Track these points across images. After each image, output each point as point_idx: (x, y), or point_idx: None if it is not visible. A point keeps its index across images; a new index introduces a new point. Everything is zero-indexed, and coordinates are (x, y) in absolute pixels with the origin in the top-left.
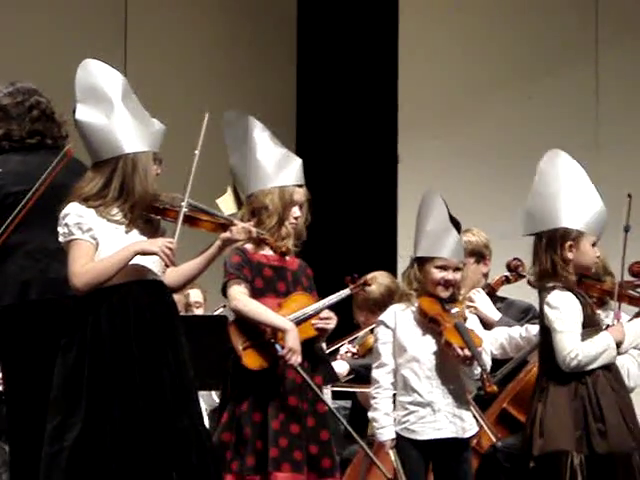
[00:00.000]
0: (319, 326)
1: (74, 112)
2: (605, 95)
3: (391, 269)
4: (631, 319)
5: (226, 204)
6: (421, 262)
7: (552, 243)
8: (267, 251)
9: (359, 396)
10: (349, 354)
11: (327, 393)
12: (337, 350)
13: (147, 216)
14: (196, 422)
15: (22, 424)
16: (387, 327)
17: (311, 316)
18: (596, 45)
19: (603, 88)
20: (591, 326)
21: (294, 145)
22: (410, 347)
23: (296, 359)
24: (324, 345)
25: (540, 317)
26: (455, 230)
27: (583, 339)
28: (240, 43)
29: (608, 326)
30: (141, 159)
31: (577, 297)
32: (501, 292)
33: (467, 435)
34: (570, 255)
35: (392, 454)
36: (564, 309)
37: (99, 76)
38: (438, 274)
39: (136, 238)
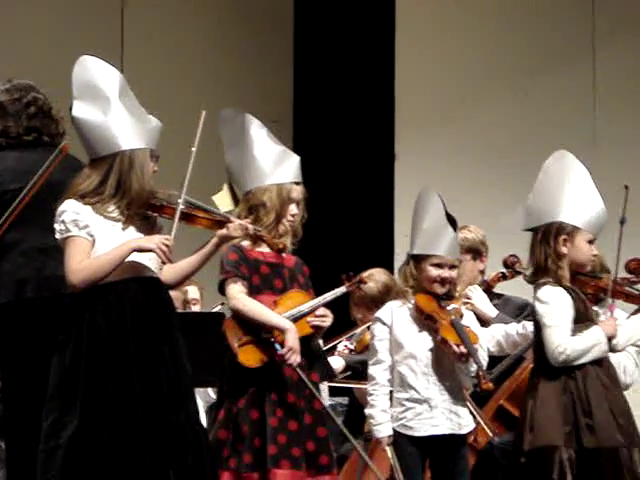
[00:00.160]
0: (315, 324)
1: (71, 109)
2: (602, 91)
3: (388, 266)
4: (629, 317)
5: (222, 201)
6: (417, 259)
7: (547, 236)
8: (264, 248)
9: (356, 393)
10: (346, 351)
11: (324, 390)
12: (335, 347)
13: (144, 213)
14: (193, 419)
15: (19, 422)
16: (384, 324)
17: (307, 314)
18: (593, 41)
19: (600, 84)
20: (584, 322)
21: (291, 142)
22: (407, 344)
23: (295, 359)
24: (321, 342)
25: (533, 313)
26: (451, 227)
27: (574, 334)
28: (237, 41)
29: None
30: (138, 156)
31: (569, 292)
32: (497, 288)
33: (464, 431)
34: (564, 249)
35: (389, 451)
36: (553, 304)
37: (96, 73)
38: (434, 272)
39: (133, 235)
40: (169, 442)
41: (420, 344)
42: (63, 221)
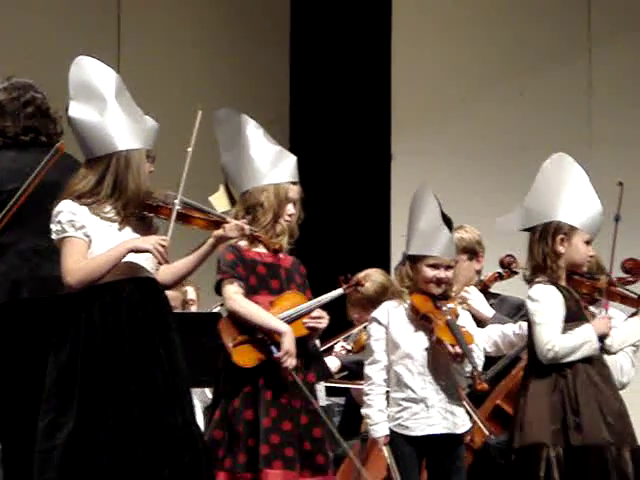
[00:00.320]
0: (310, 325)
1: (67, 109)
2: (598, 91)
3: (384, 266)
4: (626, 319)
5: (219, 202)
6: (413, 260)
7: (544, 235)
8: (261, 248)
9: (353, 393)
10: (344, 351)
11: (321, 390)
12: (332, 348)
13: (140, 214)
14: (189, 420)
15: (15, 422)
16: (380, 324)
17: (303, 315)
18: (589, 41)
19: (596, 84)
20: (576, 320)
21: (288, 143)
22: (403, 344)
23: (291, 362)
24: (318, 342)
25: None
26: (447, 228)
27: (565, 332)
28: (233, 41)
29: None
30: (134, 156)
31: (561, 291)
32: (494, 288)
33: (460, 431)
34: (561, 249)
35: (386, 451)
36: (544, 302)
37: (92, 73)
38: (430, 272)
39: (129, 236)
40: (165, 443)
41: (416, 344)
42: (59, 222)
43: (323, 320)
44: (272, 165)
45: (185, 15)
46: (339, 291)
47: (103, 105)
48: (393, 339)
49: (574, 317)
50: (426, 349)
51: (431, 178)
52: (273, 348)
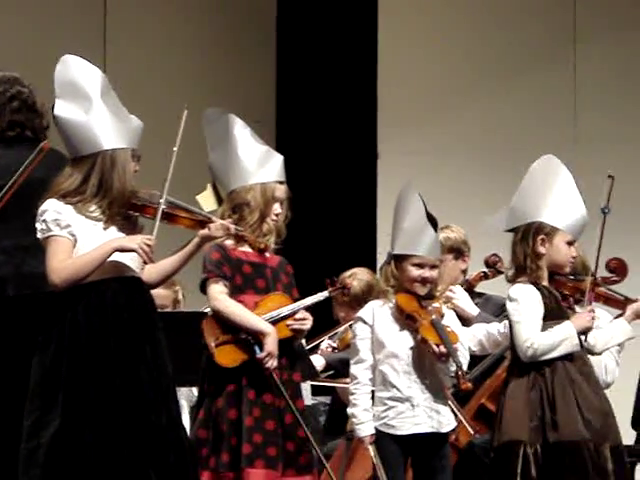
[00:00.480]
0: (294, 327)
1: (53, 107)
2: (583, 91)
3: (370, 265)
4: (612, 321)
5: (206, 201)
6: (398, 259)
7: (526, 236)
8: (247, 248)
9: (339, 392)
10: (329, 349)
11: (306, 389)
12: (317, 346)
13: (125, 213)
14: (174, 419)
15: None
16: (365, 323)
17: (287, 316)
18: (574, 41)
19: (581, 84)
20: (556, 319)
21: (274, 142)
22: (388, 343)
23: (273, 363)
24: (304, 341)
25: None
26: (432, 227)
27: (544, 330)
28: (219, 40)
29: None
30: (119, 155)
31: (539, 290)
32: (479, 288)
33: (445, 430)
34: (542, 249)
35: (371, 450)
36: (522, 300)
37: (78, 72)
38: (415, 272)
39: (114, 235)
40: (150, 442)
41: (401, 343)
42: (45, 220)
43: (307, 322)
44: (259, 164)
45: (171, 15)
46: (324, 294)
47: (89, 104)
48: (378, 338)
49: (554, 316)
50: (411, 348)
51: (417, 177)
52: (256, 348)
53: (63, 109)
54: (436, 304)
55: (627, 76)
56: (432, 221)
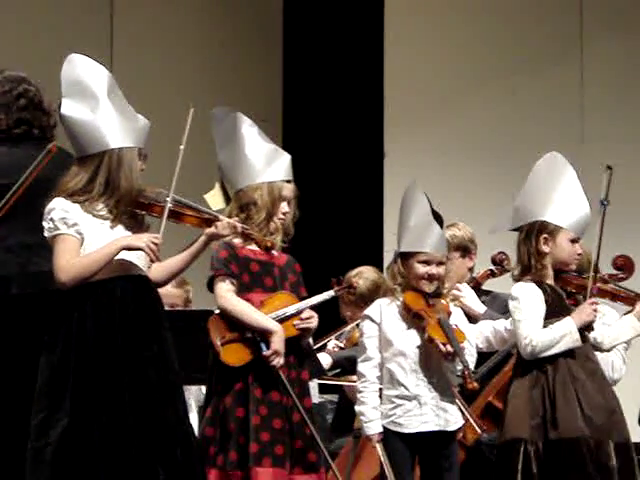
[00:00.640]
0: (301, 327)
1: (59, 107)
2: (589, 90)
3: (377, 264)
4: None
5: (214, 200)
6: (404, 257)
7: (529, 235)
8: (255, 246)
9: (346, 390)
10: (336, 349)
11: (314, 387)
12: (324, 346)
13: (132, 211)
14: (182, 417)
15: (5, 420)
16: (373, 321)
17: (292, 315)
18: (580, 40)
19: (587, 83)
20: (559, 316)
21: (280, 141)
22: (396, 341)
23: (279, 361)
24: (311, 340)
25: None
26: (437, 224)
27: (546, 327)
28: (226, 40)
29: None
30: (126, 154)
31: (542, 288)
32: (486, 286)
33: (453, 428)
34: (546, 248)
35: (379, 448)
36: (522, 299)
37: (85, 71)
38: (422, 269)
39: (121, 233)
40: (158, 439)
41: (409, 341)
42: (52, 219)
43: (313, 319)
44: (266, 163)
45: (178, 14)
46: (330, 293)
47: (95, 103)
48: (386, 336)
49: (558, 314)
50: (418, 346)
51: (423, 176)
52: (263, 345)
53: (70, 108)
54: (443, 302)
55: (634, 76)
56: (438, 218)
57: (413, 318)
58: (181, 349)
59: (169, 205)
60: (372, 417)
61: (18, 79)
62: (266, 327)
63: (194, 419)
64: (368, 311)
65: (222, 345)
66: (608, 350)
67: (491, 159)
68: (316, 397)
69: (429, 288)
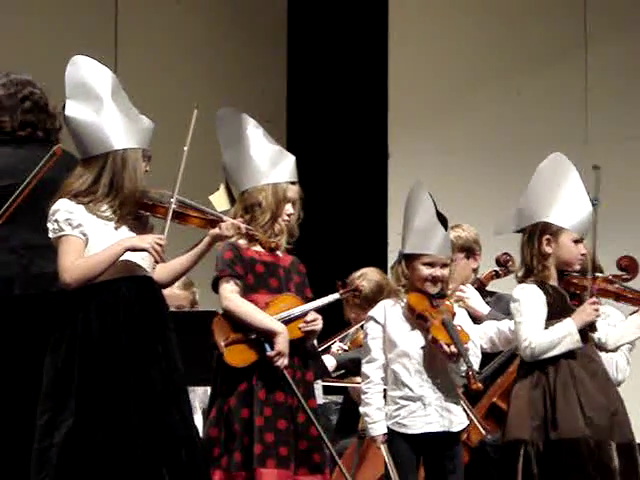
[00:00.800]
0: (306, 330)
1: (63, 108)
2: (594, 91)
3: (381, 265)
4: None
5: (219, 201)
6: (409, 259)
7: (532, 237)
8: (259, 247)
9: (350, 391)
10: (340, 352)
11: (318, 388)
12: (329, 348)
13: (136, 212)
14: (186, 417)
15: (9, 421)
16: (377, 322)
17: (297, 317)
18: (585, 40)
19: (592, 84)
20: (561, 317)
21: (284, 142)
22: (400, 342)
23: (283, 362)
24: (315, 342)
25: None
26: (442, 226)
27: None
28: (230, 41)
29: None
30: (130, 156)
31: (544, 289)
32: (490, 287)
33: (457, 429)
34: (548, 249)
35: (383, 449)
36: (523, 300)
37: (89, 72)
38: (425, 271)
39: (125, 234)
40: (163, 440)
41: (413, 342)
42: (56, 220)
43: (318, 322)
44: (271, 165)
45: (182, 15)
46: (335, 296)
47: (99, 104)
48: (390, 338)
49: (561, 315)
50: (423, 347)
51: (427, 177)
52: (267, 346)
53: (74, 109)
54: (447, 303)
55: (637, 76)
56: (442, 220)
57: (417, 319)
58: (185, 350)
59: (173, 206)
60: (376, 418)
61: (23, 82)
62: (270, 328)
63: (198, 421)
64: (372, 312)
65: (226, 346)
66: (613, 350)
67: (495, 159)
68: (320, 398)
69: (433, 290)
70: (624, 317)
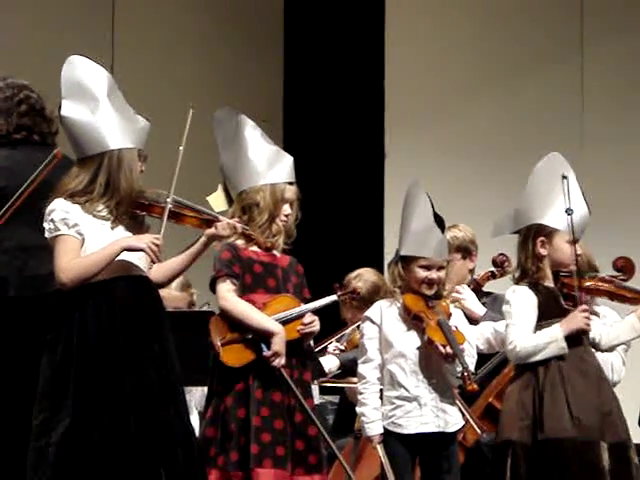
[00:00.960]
0: (305, 332)
1: (59, 108)
2: (590, 91)
3: (378, 265)
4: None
5: (216, 201)
6: (405, 260)
7: (526, 239)
8: (257, 247)
9: (347, 391)
10: (337, 351)
11: (314, 388)
12: (325, 348)
13: (132, 212)
14: (182, 417)
15: (6, 421)
16: (373, 323)
17: (295, 318)
18: (581, 41)
19: (588, 84)
20: (555, 318)
21: (281, 142)
22: (396, 342)
23: (279, 362)
24: (312, 343)
25: None
26: (439, 229)
27: (537, 331)
28: (227, 41)
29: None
30: (126, 156)
31: (537, 291)
32: (487, 287)
33: (453, 429)
34: (543, 251)
35: (380, 449)
36: (514, 302)
37: (85, 72)
38: (422, 273)
39: (121, 234)
40: (159, 440)
41: (409, 343)
42: (52, 220)
43: (315, 323)
44: (269, 165)
45: (178, 15)
46: (333, 297)
47: (95, 104)
48: (386, 338)
49: (551, 315)
50: (418, 348)
51: (424, 177)
52: (263, 346)
53: (70, 109)
54: (443, 303)
55: (634, 77)
56: (439, 222)
57: (413, 320)
58: (182, 350)
59: (169, 206)
60: (373, 418)
61: (20, 86)
62: (267, 328)
63: (194, 422)
64: (368, 313)
65: (222, 346)
66: (607, 350)
67: (491, 160)
68: (317, 398)
69: (429, 292)
70: (620, 317)
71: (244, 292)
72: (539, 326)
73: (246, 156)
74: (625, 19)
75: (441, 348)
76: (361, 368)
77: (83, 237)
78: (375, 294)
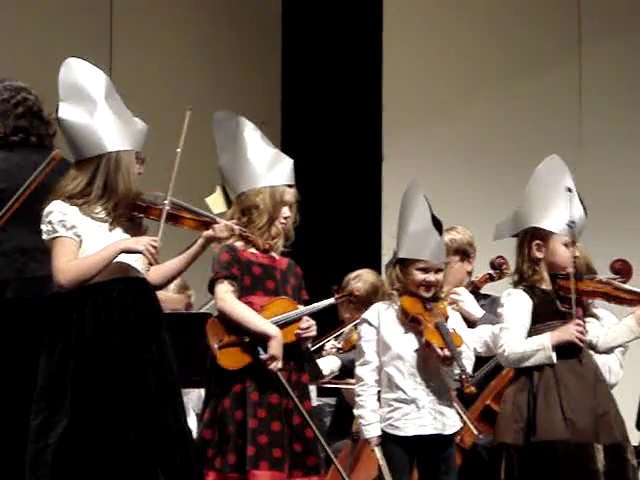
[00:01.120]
0: (303, 336)
1: (57, 110)
2: (588, 94)
3: (375, 266)
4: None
5: (216, 203)
6: (403, 263)
7: (523, 242)
8: (256, 249)
9: (344, 393)
10: (334, 350)
11: (312, 390)
12: (322, 347)
13: (130, 214)
14: (180, 418)
15: (4, 422)
16: (370, 325)
17: (292, 321)
18: (579, 44)
19: (586, 87)
20: (549, 322)
21: (279, 144)
22: (394, 345)
23: (276, 365)
24: (309, 344)
25: None
26: (437, 231)
27: (531, 335)
28: (225, 42)
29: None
30: (124, 158)
31: (532, 294)
32: (485, 290)
33: (450, 432)
34: (539, 254)
35: (377, 451)
36: (507, 306)
37: (82, 75)
38: (420, 276)
39: (119, 236)
40: (157, 441)
41: (406, 345)
42: (50, 222)
43: (312, 327)
44: (268, 168)
45: (177, 18)
46: (331, 300)
47: (93, 106)
48: (384, 340)
49: (546, 318)
50: (416, 350)
51: (422, 179)
52: (260, 349)
53: (67, 112)
54: (441, 306)
55: (632, 79)
56: (437, 224)
57: (410, 322)
58: (179, 351)
59: (167, 208)
60: (371, 420)
61: (17, 88)
62: (265, 331)
63: (192, 423)
64: (366, 315)
65: (219, 348)
66: (605, 352)
67: (489, 162)
68: (314, 400)
69: (427, 294)
70: (617, 320)
71: (243, 294)
72: (535, 329)
73: (245, 158)
74: (623, 20)
75: (439, 350)
76: (359, 370)
77: (81, 239)
78: (373, 295)
